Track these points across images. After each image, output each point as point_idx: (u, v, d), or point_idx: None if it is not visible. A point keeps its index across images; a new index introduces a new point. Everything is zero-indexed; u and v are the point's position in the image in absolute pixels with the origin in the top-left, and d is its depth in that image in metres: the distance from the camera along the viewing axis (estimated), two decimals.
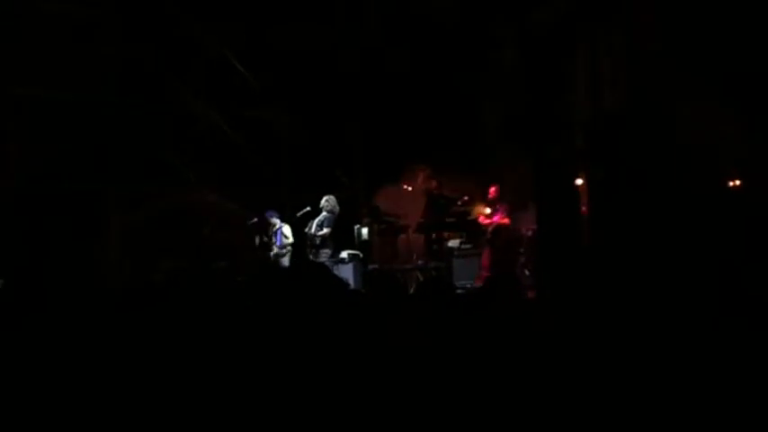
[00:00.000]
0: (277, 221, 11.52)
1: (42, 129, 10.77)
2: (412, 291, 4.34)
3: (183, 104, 12.21)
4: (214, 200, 12.39)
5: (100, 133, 11.42)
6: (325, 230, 10.85)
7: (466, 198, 11.74)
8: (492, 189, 10.95)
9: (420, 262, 11.63)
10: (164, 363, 2.62)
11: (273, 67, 12.42)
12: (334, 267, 10.85)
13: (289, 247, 11.37)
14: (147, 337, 2.81)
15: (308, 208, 11.46)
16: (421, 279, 10.55)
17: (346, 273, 10.84)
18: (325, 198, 11.09)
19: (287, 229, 11.51)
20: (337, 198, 11.36)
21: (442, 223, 11.68)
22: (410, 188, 12.46)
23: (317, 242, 10.88)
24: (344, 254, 11.23)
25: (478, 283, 9.58)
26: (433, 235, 11.77)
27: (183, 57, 12.01)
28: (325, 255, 10.83)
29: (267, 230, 11.61)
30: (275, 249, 11.44)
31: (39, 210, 10.66)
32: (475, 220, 11.48)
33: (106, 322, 3.07)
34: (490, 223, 10.82)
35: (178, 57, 11.95)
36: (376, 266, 11.69)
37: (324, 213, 10.94)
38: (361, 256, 11.46)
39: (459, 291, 8.69)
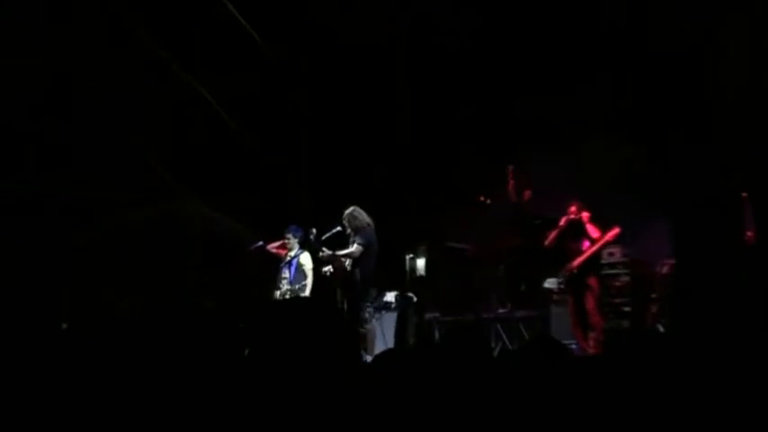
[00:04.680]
0: (295, 245, 9.20)
1: None
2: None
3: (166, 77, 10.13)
4: (202, 213, 10.43)
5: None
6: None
7: (572, 216, 9.30)
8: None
9: (502, 309, 10.04)
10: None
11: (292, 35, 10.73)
12: (375, 315, 9.22)
13: (306, 284, 9.06)
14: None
15: (339, 228, 9.14)
16: (503, 334, 9.46)
17: (390, 323, 9.28)
18: (346, 212, 8.84)
19: (306, 259, 9.12)
20: (371, 210, 9.06)
21: (536, 253, 9.68)
22: (489, 201, 10.38)
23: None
24: (390, 296, 9.58)
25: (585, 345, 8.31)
26: (523, 270, 10.08)
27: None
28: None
29: (278, 258, 9.43)
30: (285, 286, 9.09)
31: None
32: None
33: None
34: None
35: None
36: (437, 315, 10.23)
37: (353, 235, 8.75)
38: (414, 299, 9.74)
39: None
